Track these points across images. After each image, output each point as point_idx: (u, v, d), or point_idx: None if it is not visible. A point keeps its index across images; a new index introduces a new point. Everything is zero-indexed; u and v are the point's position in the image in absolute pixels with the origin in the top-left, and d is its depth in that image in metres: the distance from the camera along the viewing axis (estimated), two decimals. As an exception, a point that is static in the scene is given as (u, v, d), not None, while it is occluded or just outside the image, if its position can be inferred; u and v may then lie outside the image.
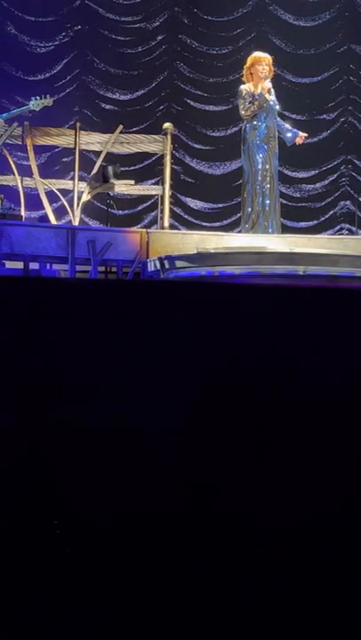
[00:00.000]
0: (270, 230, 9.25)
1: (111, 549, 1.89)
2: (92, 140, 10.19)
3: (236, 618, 1.87)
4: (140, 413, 2.00)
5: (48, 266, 9.31)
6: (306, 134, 9.50)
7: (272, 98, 9.35)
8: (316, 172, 13.41)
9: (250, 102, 9.28)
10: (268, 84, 9.29)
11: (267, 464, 2.00)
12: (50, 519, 1.88)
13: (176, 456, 1.98)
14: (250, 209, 9.34)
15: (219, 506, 1.93)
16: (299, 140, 9.44)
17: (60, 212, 10.62)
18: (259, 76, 9.31)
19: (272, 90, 9.40)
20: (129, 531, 1.90)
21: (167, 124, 10.23)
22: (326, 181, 13.46)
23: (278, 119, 9.45)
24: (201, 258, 8.14)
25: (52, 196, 10.08)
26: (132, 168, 12.17)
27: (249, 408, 2.05)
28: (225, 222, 13.00)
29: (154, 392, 2.01)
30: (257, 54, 9.48)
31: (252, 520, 1.93)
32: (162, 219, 10.02)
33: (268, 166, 9.31)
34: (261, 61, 9.35)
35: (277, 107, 9.34)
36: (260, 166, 9.31)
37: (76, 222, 9.75)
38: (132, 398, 2.03)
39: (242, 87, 9.41)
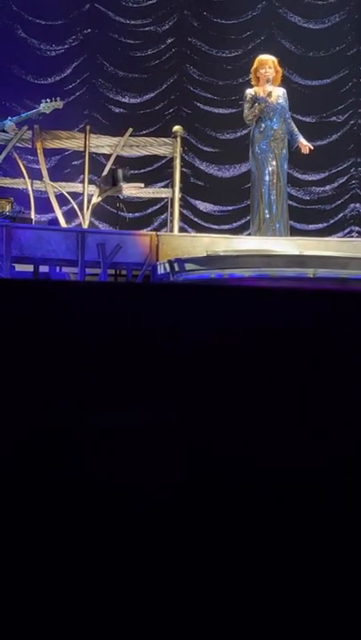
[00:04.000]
0: (278, 233, 9.27)
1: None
2: (102, 143, 10.22)
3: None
4: (138, 415, 2.01)
5: (58, 269, 9.33)
6: (311, 146, 9.50)
7: (279, 100, 9.35)
8: (326, 174, 13.41)
9: (251, 106, 9.32)
10: (268, 87, 9.30)
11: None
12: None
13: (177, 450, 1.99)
14: (257, 211, 9.37)
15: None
16: (303, 148, 9.44)
17: (70, 215, 10.64)
18: (263, 78, 9.34)
19: (282, 90, 9.41)
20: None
21: (177, 127, 10.25)
22: (336, 184, 13.46)
23: (290, 121, 9.45)
24: (210, 260, 8.15)
25: (61, 199, 10.11)
26: (142, 171, 12.18)
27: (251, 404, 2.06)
28: (235, 225, 13.01)
29: (155, 394, 2.02)
30: (261, 57, 9.51)
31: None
32: (171, 221, 10.03)
33: (275, 169, 9.32)
34: (265, 64, 9.37)
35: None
36: (267, 169, 9.34)
37: (85, 225, 9.77)
38: (130, 399, 2.04)
39: (247, 91, 9.45)
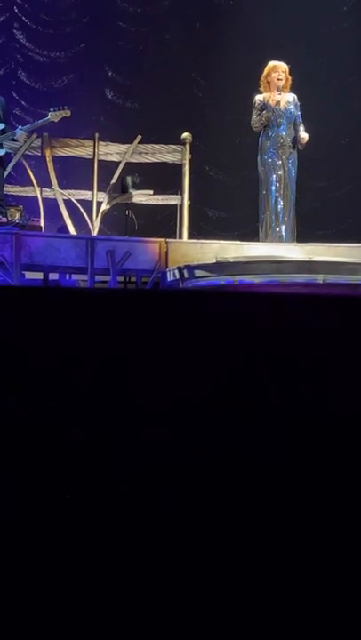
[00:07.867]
0: (284, 239, 9.24)
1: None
2: (111, 151, 10.22)
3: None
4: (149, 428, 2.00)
5: (67, 276, 9.33)
6: (306, 136, 9.34)
7: (288, 107, 9.34)
8: (336, 180, 13.38)
9: (259, 113, 9.30)
10: (277, 96, 9.29)
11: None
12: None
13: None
14: (264, 218, 9.37)
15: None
16: (300, 140, 9.34)
17: (79, 223, 10.64)
18: (275, 84, 9.32)
19: (292, 96, 9.39)
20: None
21: (185, 134, 10.25)
22: (345, 190, 13.43)
23: (300, 126, 9.38)
24: (220, 267, 8.13)
25: (71, 207, 10.11)
26: (151, 178, 12.17)
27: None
28: (244, 231, 12.98)
29: (168, 403, 2.01)
30: (273, 63, 9.48)
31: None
32: (181, 228, 10.02)
33: (281, 175, 9.31)
34: (277, 69, 9.37)
35: (297, 112, 9.32)
36: (274, 176, 9.33)
37: (95, 232, 9.77)
38: (141, 410, 2.03)
39: (256, 97, 9.43)
